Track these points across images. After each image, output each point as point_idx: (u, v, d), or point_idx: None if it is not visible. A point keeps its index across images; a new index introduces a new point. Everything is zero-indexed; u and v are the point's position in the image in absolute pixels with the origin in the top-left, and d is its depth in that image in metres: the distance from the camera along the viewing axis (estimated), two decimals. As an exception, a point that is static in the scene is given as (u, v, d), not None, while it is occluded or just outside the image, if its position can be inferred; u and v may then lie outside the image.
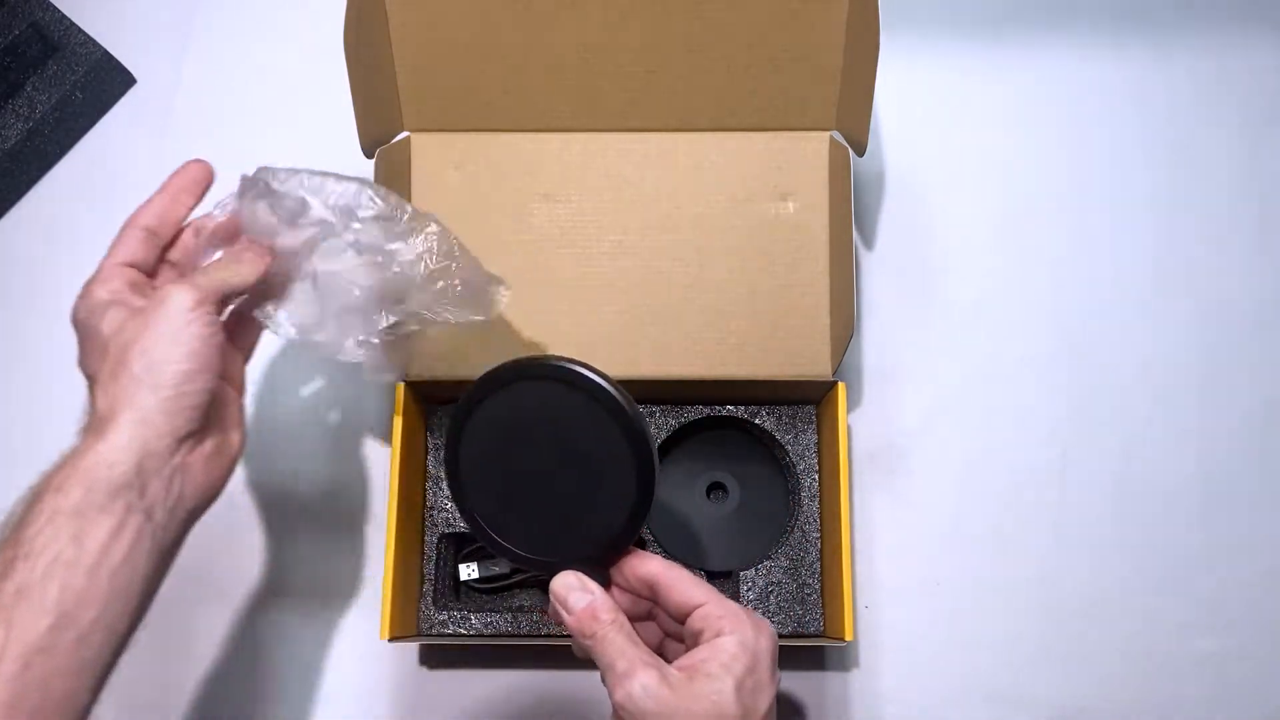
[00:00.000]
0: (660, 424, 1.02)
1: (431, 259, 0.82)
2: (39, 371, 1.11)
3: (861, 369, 1.09)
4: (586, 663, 1.00)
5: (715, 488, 1.04)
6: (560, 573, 0.75)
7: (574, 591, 0.74)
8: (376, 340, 0.85)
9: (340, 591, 1.04)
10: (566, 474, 0.76)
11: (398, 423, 0.95)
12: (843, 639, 0.92)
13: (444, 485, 1.01)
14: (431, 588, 0.99)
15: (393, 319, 0.85)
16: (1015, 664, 1.03)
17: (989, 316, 1.11)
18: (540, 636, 0.97)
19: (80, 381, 1.10)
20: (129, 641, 0.75)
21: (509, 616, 0.98)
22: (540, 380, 0.76)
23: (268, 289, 0.83)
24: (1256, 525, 1.07)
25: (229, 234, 0.85)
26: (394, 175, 0.97)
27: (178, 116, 1.18)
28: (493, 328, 0.97)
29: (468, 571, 1.01)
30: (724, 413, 1.03)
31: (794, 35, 0.94)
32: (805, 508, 1.01)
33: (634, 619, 0.76)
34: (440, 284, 0.83)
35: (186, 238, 0.86)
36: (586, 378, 0.75)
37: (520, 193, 0.99)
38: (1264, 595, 1.05)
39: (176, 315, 0.75)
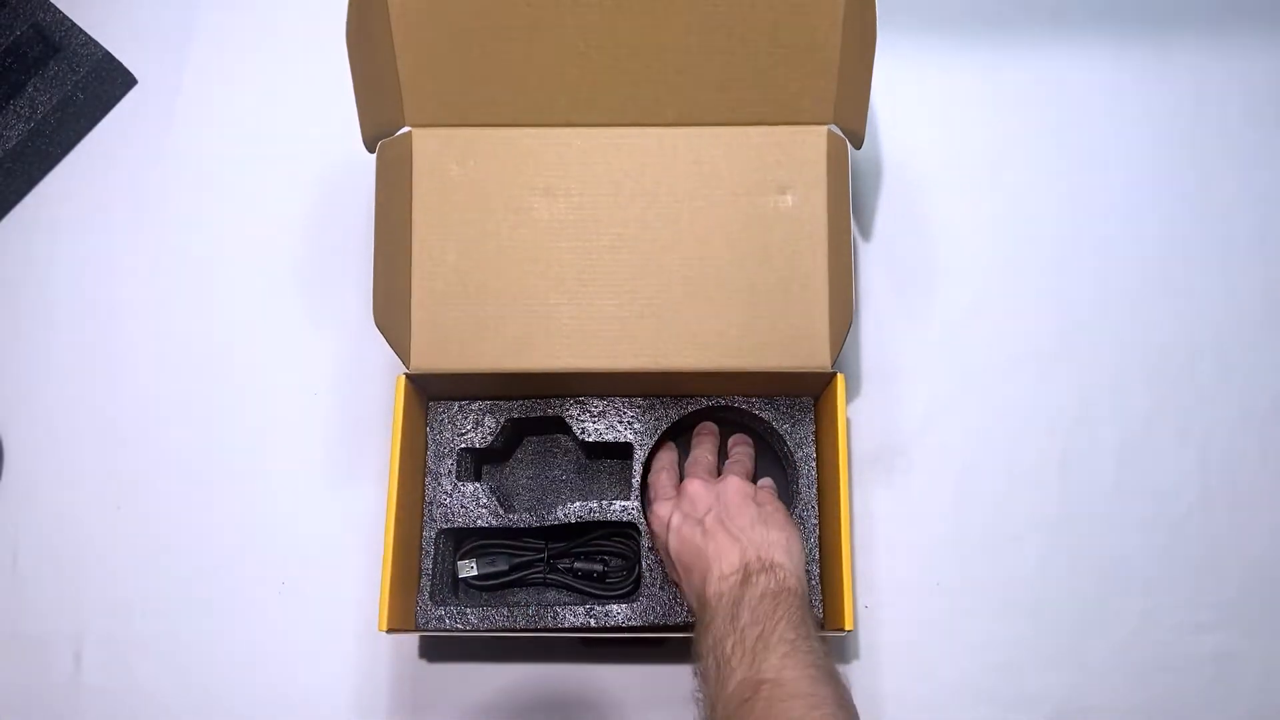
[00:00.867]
0: (660, 416, 1.02)
1: None
2: (39, 371, 1.11)
3: (860, 367, 1.10)
4: (584, 657, 1.01)
5: None
6: None
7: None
8: None
9: (340, 585, 1.04)
10: None
11: (398, 417, 0.95)
12: (843, 629, 0.91)
13: (443, 480, 1.01)
14: (429, 583, 0.99)
15: None
16: (1015, 664, 1.04)
17: (988, 311, 1.11)
18: (538, 631, 0.97)
19: (73, 379, 1.11)
20: None
21: (505, 611, 0.97)
22: None
23: None
24: (1256, 524, 1.07)
25: None
26: (395, 169, 0.97)
27: (179, 116, 1.18)
28: (494, 321, 0.97)
29: (466, 568, 1.01)
30: (723, 404, 1.03)
31: (792, 29, 0.94)
32: (804, 496, 1.01)
33: None
34: None
35: None
36: None
37: (520, 187, 0.99)
38: (1264, 595, 1.05)
39: None
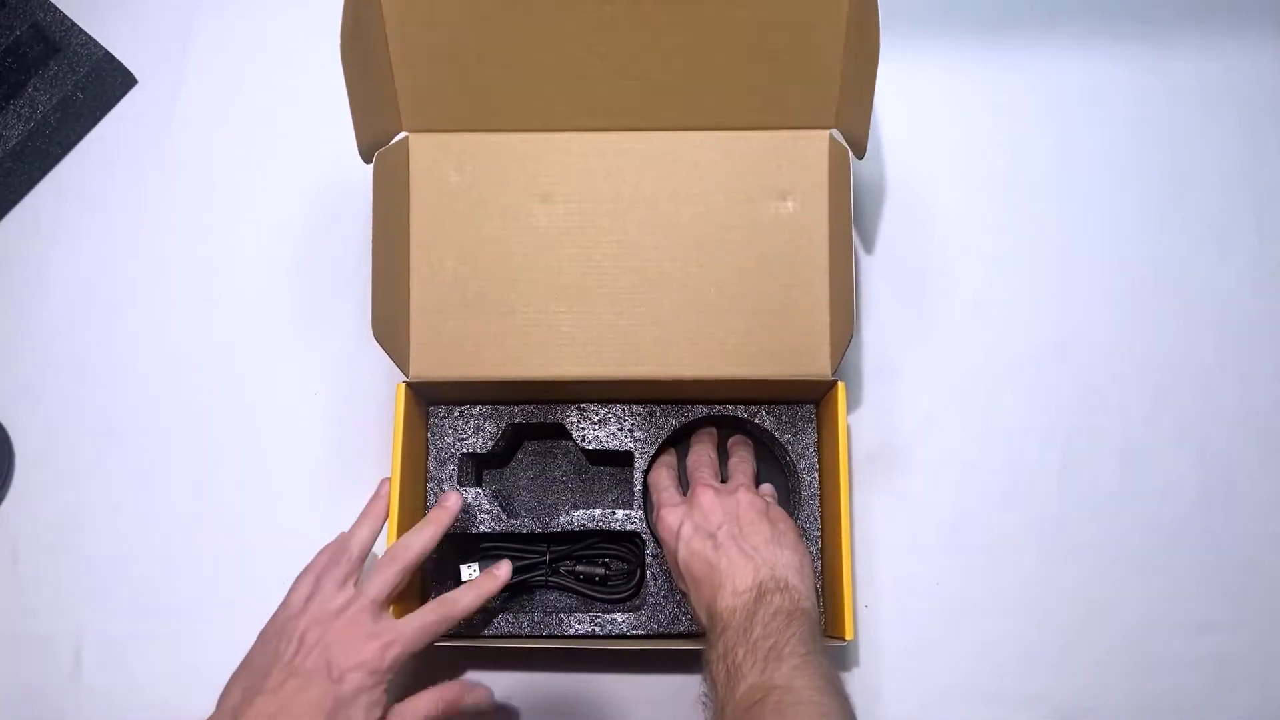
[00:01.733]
0: (661, 424, 1.02)
1: None
2: (39, 371, 1.11)
3: (861, 369, 1.09)
4: (586, 664, 1.01)
5: None
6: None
7: None
8: None
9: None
10: None
11: (398, 423, 0.95)
12: (843, 638, 0.92)
13: (444, 486, 1.01)
14: (433, 589, 0.99)
15: None
16: (1015, 664, 1.04)
17: (988, 316, 1.11)
18: (542, 637, 0.97)
19: (73, 380, 1.11)
20: None
21: (510, 617, 0.98)
22: None
23: None
24: (1256, 525, 1.07)
25: None
26: (393, 176, 0.97)
27: (179, 117, 1.18)
28: (493, 329, 0.97)
29: (469, 572, 1.01)
30: (724, 412, 1.03)
31: (794, 35, 0.94)
32: (806, 506, 1.01)
33: None
34: None
35: None
36: None
37: (520, 193, 0.99)
38: (1264, 595, 1.05)
39: None
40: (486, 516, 1.00)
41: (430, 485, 1.01)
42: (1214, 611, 1.05)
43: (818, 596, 0.95)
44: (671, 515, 0.94)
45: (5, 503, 1.08)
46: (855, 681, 1.03)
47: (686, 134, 0.99)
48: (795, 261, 0.98)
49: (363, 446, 1.08)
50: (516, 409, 1.02)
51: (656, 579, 0.98)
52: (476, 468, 1.05)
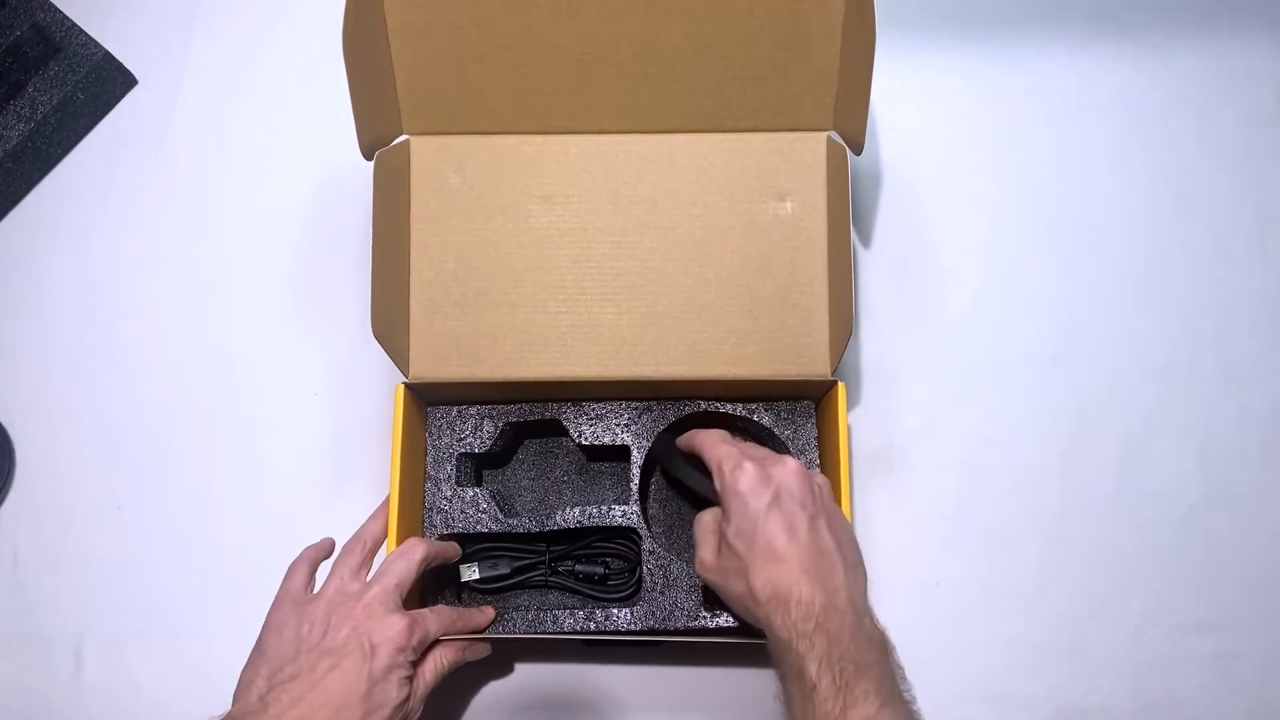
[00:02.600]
0: (658, 419, 1.02)
1: None
2: (38, 371, 1.11)
3: (860, 368, 1.09)
4: (584, 658, 1.01)
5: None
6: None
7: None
8: None
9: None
10: None
11: (397, 424, 0.96)
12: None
13: (443, 486, 1.01)
14: (433, 588, 0.99)
15: None
16: (1015, 664, 1.04)
17: (987, 315, 1.11)
18: (541, 634, 0.97)
19: (73, 380, 1.11)
20: None
21: (509, 615, 0.98)
22: None
23: None
24: (1256, 525, 1.07)
25: None
26: (393, 177, 0.97)
27: (179, 117, 1.18)
28: (492, 330, 0.97)
29: (468, 572, 1.01)
30: (722, 409, 1.03)
31: (791, 36, 0.94)
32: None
33: None
34: None
35: None
36: None
37: (519, 194, 0.99)
38: (1264, 595, 1.05)
39: None
40: (485, 516, 1.00)
41: (429, 485, 1.01)
42: (1214, 611, 1.05)
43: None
44: (753, 471, 0.86)
45: (6, 503, 1.08)
46: (855, 682, 1.03)
47: (685, 136, 0.99)
48: (794, 262, 0.98)
49: (362, 446, 1.08)
50: (514, 408, 1.02)
51: (653, 574, 0.98)
52: (475, 467, 1.05)
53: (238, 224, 1.15)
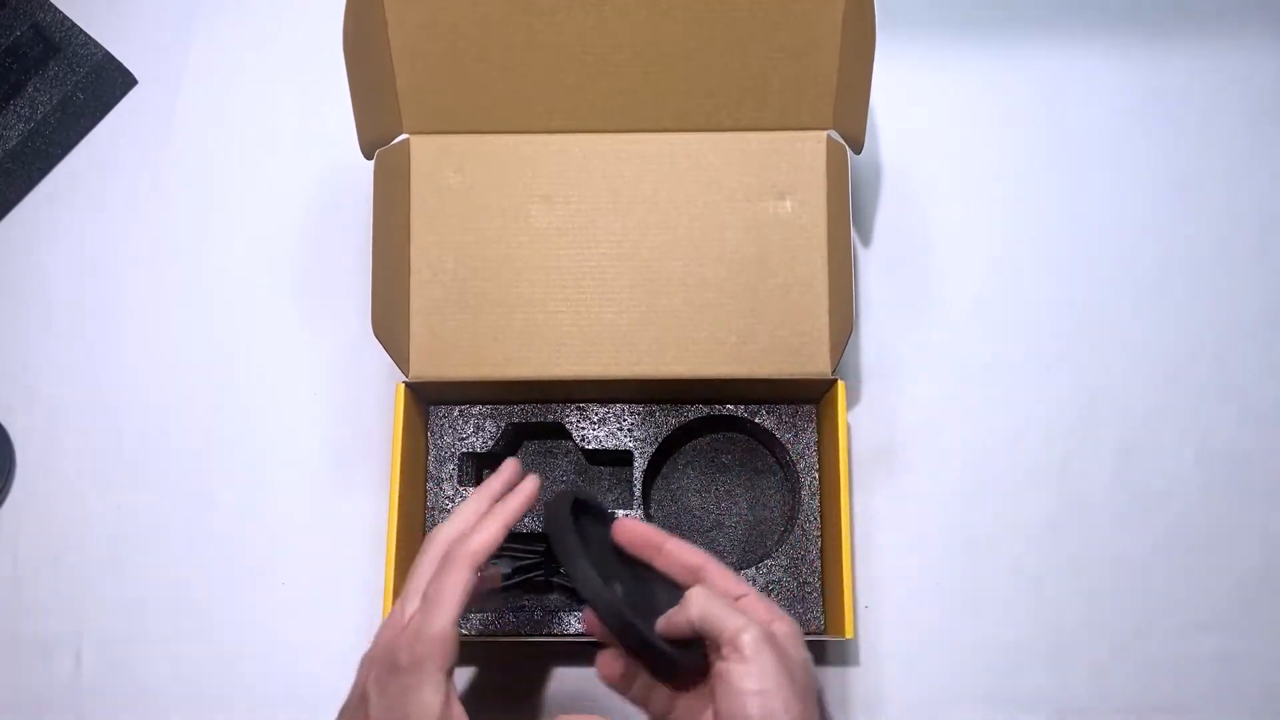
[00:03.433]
0: (660, 424, 1.02)
1: None
2: (38, 371, 1.11)
3: (860, 367, 1.09)
4: (584, 658, 1.01)
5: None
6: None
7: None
8: None
9: (341, 592, 1.05)
10: None
11: (398, 423, 0.96)
12: (843, 636, 0.92)
13: (444, 486, 1.01)
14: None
15: None
16: (1015, 664, 1.04)
17: (988, 314, 1.11)
18: (542, 635, 0.97)
19: (73, 380, 1.11)
20: None
21: (510, 615, 0.98)
22: None
23: None
24: (1256, 524, 1.07)
25: None
26: (393, 177, 0.97)
27: (179, 117, 1.18)
28: (493, 329, 0.97)
29: (468, 572, 1.01)
30: (724, 412, 1.03)
31: (791, 34, 0.94)
32: (805, 506, 1.01)
33: None
34: None
35: None
36: None
37: (519, 194, 0.99)
38: (1265, 594, 1.05)
39: None
40: (486, 516, 1.00)
41: (431, 485, 1.01)
42: (1214, 611, 1.05)
43: (809, 586, 0.97)
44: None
45: (6, 503, 1.08)
46: (855, 682, 1.03)
47: (685, 135, 0.99)
48: (794, 261, 0.98)
49: (363, 446, 1.08)
50: (516, 409, 1.02)
51: (655, 577, 0.98)
52: (476, 467, 1.05)
53: (238, 223, 1.15)
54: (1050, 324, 1.11)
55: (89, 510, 1.08)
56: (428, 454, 1.03)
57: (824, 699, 0.70)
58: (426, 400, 1.03)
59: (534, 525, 1.00)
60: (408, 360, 0.97)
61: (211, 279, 1.13)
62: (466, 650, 1.03)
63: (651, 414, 1.02)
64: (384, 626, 0.76)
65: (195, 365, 1.11)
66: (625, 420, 1.02)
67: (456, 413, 1.03)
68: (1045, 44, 1.18)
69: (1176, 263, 1.12)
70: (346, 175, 1.08)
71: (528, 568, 1.01)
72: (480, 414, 1.03)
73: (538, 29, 0.94)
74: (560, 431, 1.03)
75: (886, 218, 1.14)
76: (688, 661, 0.70)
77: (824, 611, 0.99)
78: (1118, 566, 1.05)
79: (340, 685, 1.04)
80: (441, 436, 1.03)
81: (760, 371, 0.97)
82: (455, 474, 1.01)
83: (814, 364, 0.97)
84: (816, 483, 1.02)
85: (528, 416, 1.02)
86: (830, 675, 1.03)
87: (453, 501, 1.01)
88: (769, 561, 1.00)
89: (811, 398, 1.03)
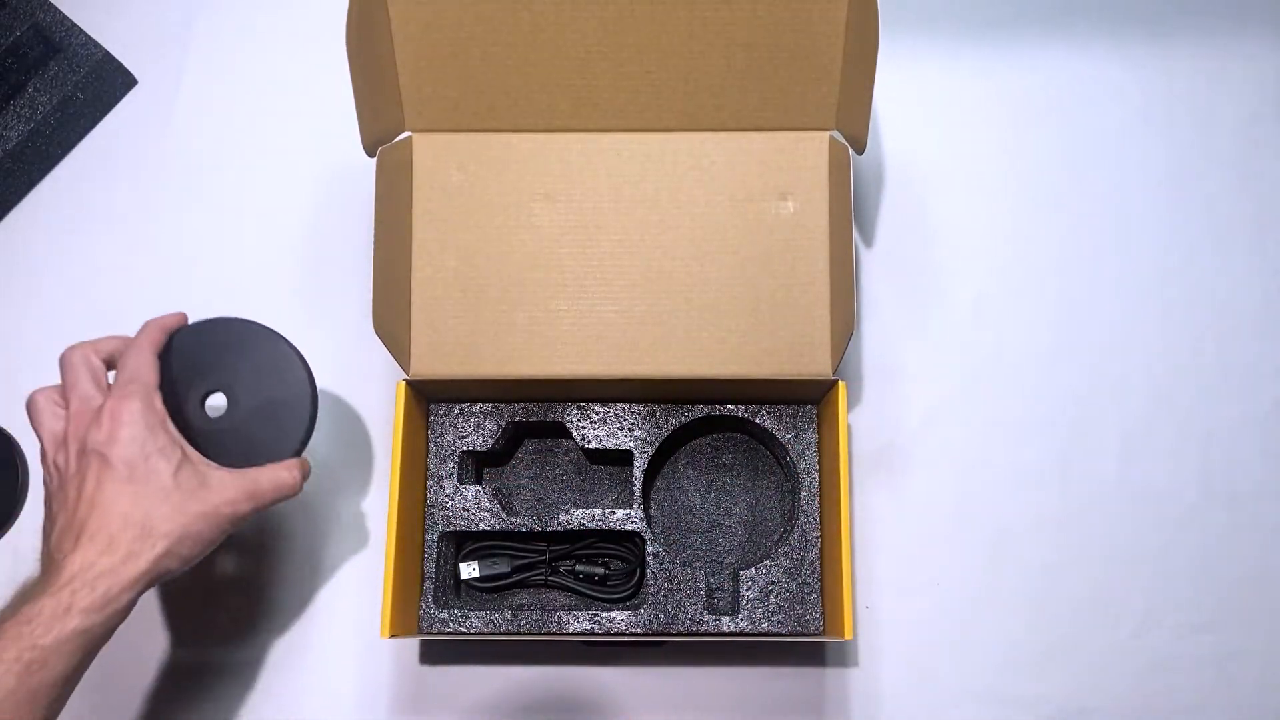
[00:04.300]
0: (661, 424, 1.02)
1: None
2: (38, 371, 1.11)
3: (862, 368, 1.10)
4: (584, 659, 1.01)
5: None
6: None
7: None
8: None
9: (341, 589, 1.05)
10: None
11: (398, 421, 0.95)
12: (842, 637, 0.92)
13: (444, 484, 1.01)
14: (432, 585, 0.99)
15: None
16: (1015, 664, 1.04)
17: (989, 315, 1.11)
18: (540, 634, 0.97)
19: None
20: None
21: (509, 614, 0.98)
22: None
23: None
24: (1256, 524, 1.07)
25: None
26: (396, 174, 0.97)
27: (179, 117, 1.18)
28: (494, 328, 0.97)
29: (468, 570, 1.01)
30: (725, 412, 1.03)
31: (794, 34, 0.94)
32: (805, 507, 1.01)
33: None
34: None
35: None
36: None
37: (521, 192, 0.99)
38: (1264, 595, 1.05)
39: None
40: (486, 515, 1.00)
41: (431, 482, 1.01)
42: (1214, 611, 1.05)
43: (809, 587, 0.96)
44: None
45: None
46: (855, 682, 1.03)
47: (687, 134, 0.99)
48: (795, 261, 0.98)
49: (363, 444, 1.08)
50: (517, 407, 1.03)
51: (656, 578, 0.98)
52: (476, 466, 1.05)
53: (238, 222, 1.15)
54: (1051, 324, 1.11)
55: (89, 510, 1.08)
56: (428, 452, 1.03)
57: None
58: (427, 398, 1.03)
59: (534, 525, 1.00)
60: (409, 358, 0.97)
61: (212, 278, 1.13)
62: (464, 648, 1.03)
63: (652, 413, 1.02)
64: (67, 419, 0.84)
65: (196, 364, 1.11)
66: (626, 420, 1.02)
67: (457, 411, 1.03)
68: (1048, 44, 1.19)
69: (1177, 262, 1.12)
70: (348, 173, 1.08)
71: (527, 566, 1.01)
72: (481, 412, 1.03)
73: (541, 27, 0.94)
74: (561, 430, 1.03)
75: (888, 218, 1.14)
76: None
77: (824, 612, 0.99)
78: (1117, 566, 1.06)
79: (340, 683, 1.04)
80: (442, 434, 1.03)
81: (761, 372, 0.97)
82: (455, 472, 1.01)
83: (815, 364, 0.97)
84: (817, 483, 1.02)
85: (528, 415, 1.02)
86: (830, 675, 1.03)
87: (452, 499, 1.01)
88: (769, 562, 1.00)
89: (812, 398, 1.03)
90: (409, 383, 0.97)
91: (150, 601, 1.05)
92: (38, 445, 0.86)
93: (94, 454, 0.80)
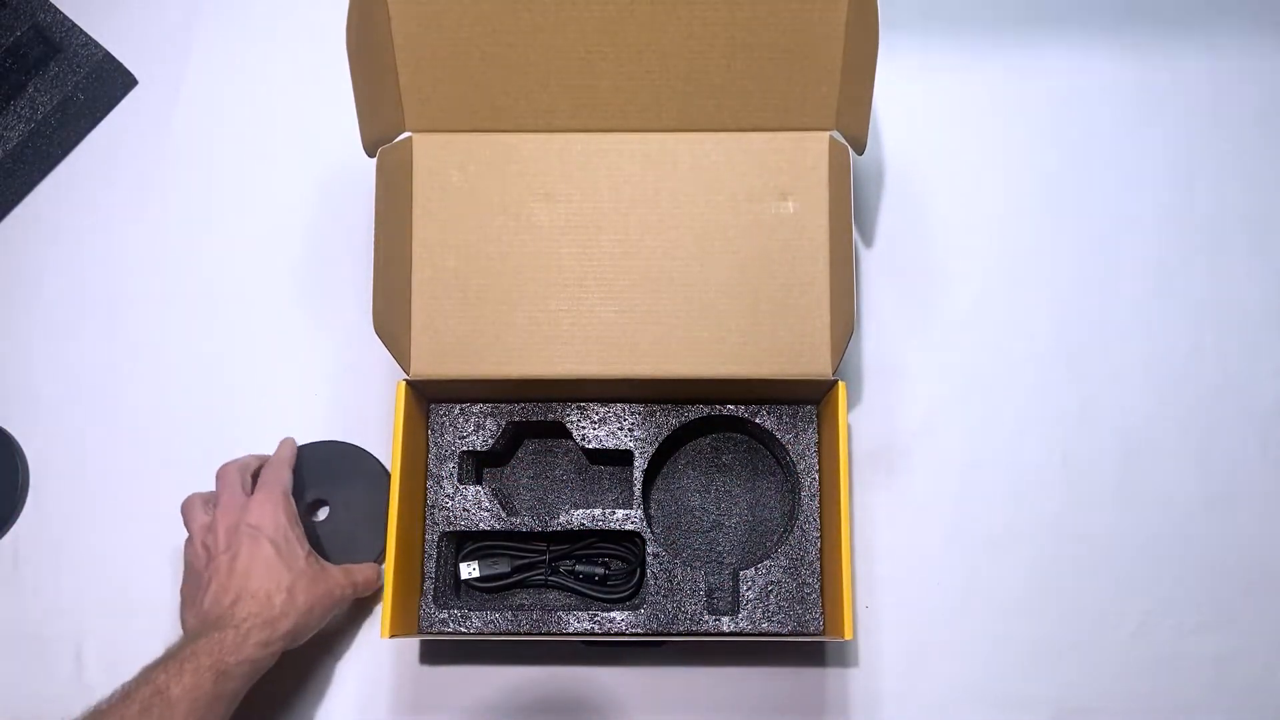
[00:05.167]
0: (661, 424, 1.02)
1: None
2: (37, 371, 1.11)
3: (862, 368, 1.10)
4: (584, 659, 1.01)
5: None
6: None
7: None
8: None
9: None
10: None
11: (398, 421, 0.96)
12: (842, 637, 0.92)
13: (444, 484, 1.01)
14: (432, 586, 0.99)
15: None
16: (1015, 664, 1.04)
17: (989, 315, 1.11)
18: (540, 634, 0.97)
19: (73, 380, 1.11)
20: None
21: (509, 614, 0.98)
22: None
23: None
24: (1256, 525, 1.07)
25: None
26: (396, 175, 0.97)
27: (179, 117, 1.18)
28: (494, 328, 0.97)
29: (468, 570, 1.01)
30: (725, 412, 1.03)
31: (794, 35, 0.94)
32: (805, 507, 1.01)
33: None
34: None
35: None
36: None
37: (521, 193, 0.99)
38: (1264, 595, 1.05)
39: None
40: (486, 515, 1.00)
41: (431, 482, 1.01)
42: (1214, 611, 1.05)
43: (808, 587, 0.95)
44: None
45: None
46: (855, 681, 1.03)
47: (687, 135, 0.99)
48: (796, 261, 0.98)
49: (363, 444, 1.08)
50: (517, 407, 1.03)
51: (656, 578, 0.98)
52: (476, 466, 1.05)
53: (238, 223, 1.15)
54: (1051, 325, 1.11)
55: (89, 509, 1.08)
56: (428, 452, 1.03)
57: None
58: (427, 398, 1.03)
59: (534, 525, 1.00)
60: (409, 358, 0.97)
61: (212, 278, 1.13)
62: (465, 648, 1.03)
63: (652, 414, 1.02)
64: (216, 510, 0.98)
65: (196, 364, 1.11)
66: (626, 420, 1.02)
67: (457, 411, 1.03)
68: (1049, 44, 1.19)
69: (1177, 262, 1.12)
70: (348, 173, 1.08)
71: (527, 566, 1.01)
72: (481, 412, 1.03)
73: (541, 27, 0.94)
74: (561, 430, 1.03)
75: (888, 219, 1.14)
76: None
77: (824, 612, 0.99)
78: (1117, 566, 1.06)
79: (340, 683, 1.04)
80: (442, 434, 1.03)
81: (761, 372, 0.97)
82: (455, 472, 1.01)
83: (815, 365, 0.97)
84: (816, 483, 1.02)
85: (528, 415, 1.02)
86: (830, 675, 1.03)
87: (452, 499, 1.01)
88: (769, 562, 1.00)
89: (812, 398, 1.03)
90: (409, 383, 0.97)
91: (150, 601, 1.05)
92: (185, 536, 0.98)
93: (246, 533, 0.94)
